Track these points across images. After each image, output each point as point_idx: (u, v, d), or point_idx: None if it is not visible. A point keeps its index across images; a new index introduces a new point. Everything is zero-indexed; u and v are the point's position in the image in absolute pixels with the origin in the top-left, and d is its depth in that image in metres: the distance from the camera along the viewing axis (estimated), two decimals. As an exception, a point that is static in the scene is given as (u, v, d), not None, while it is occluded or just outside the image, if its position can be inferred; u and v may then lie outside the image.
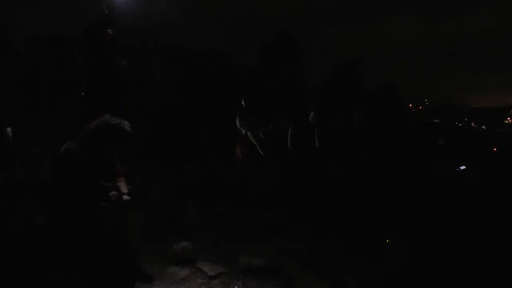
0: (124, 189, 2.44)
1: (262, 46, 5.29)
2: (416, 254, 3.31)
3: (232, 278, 2.75)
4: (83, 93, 4.29)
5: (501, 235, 3.69)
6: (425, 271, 3.04)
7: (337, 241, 3.43)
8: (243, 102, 4.86)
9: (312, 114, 4.69)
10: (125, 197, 2.38)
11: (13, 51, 6.04)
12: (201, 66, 6.72)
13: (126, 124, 2.39)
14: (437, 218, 3.97)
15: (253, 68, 5.75)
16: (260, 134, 4.71)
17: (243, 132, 4.80)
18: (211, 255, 3.05)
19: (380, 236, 3.58)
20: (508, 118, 51.61)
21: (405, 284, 2.93)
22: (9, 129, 3.86)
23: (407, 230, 3.69)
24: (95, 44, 4.14)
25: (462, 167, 5.26)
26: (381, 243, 3.50)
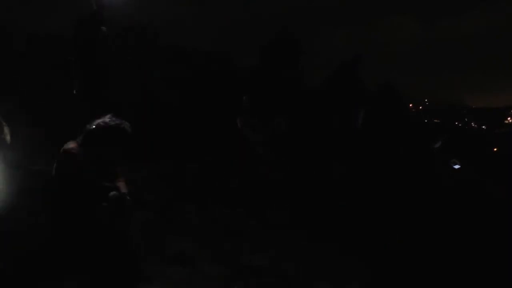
0: (124, 189, 2.45)
1: (262, 46, 5.29)
2: (414, 254, 3.31)
3: (232, 278, 2.75)
4: (75, 92, 4.28)
5: (498, 234, 3.70)
6: (423, 271, 3.05)
7: (337, 241, 3.44)
8: (244, 102, 4.86)
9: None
10: (125, 198, 2.38)
11: (13, 51, 6.04)
12: (201, 66, 6.72)
13: (126, 125, 2.40)
14: (435, 218, 3.98)
15: (253, 68, 5.75)
16: (261, 134, 4.71)
17: (243, 132, 4.80)
18: (211, 255, 3.05)
19: (379, 237, 3.59)
20: (508, 118, 51.63)
21: (404, 284, 2.94)
22: (7, 129, 3.85)
23: (405, 230, 3.69)
24: (86, 42, 4.13)
25: (457, 166, 5.26)
26: (380, 243, 3.50)
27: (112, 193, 2.33)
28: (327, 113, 4.91)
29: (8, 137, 3.82)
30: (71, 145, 2.34)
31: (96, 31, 4.16)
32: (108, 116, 2.39)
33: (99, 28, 4.16)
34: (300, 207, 4.06)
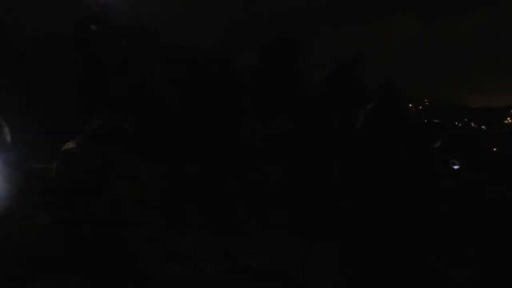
0: (124, 189, 2.45)
1: (262, 46, 5.30)
2: (414, 254, 3.31)
3: (232, 278, 2.75)
4: (73, 91, 4.27)
5: (498, 235, 3.69)
6: (423, 271, 3.05)
7: (337, 241, 3.44)
8: (243, 102, 4.86)
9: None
10: (125, 198, 2.39)
11: (13, 51, 6.03)
12: (201, 66, 6.71)
13: (126, 125, 2.40)
14: (435, 218, 3.97)
15: (253, 68, 5.75)
16: (261, 134, 4.71)
17: (244, 132, 4.80)
18: (212, 254, 3.05)
19: (379, 237, 3.59)
20: (508, 118, 51.54)
21: (404, 284, 2.93)
22: (7, 129, 3.85)
23: (405, 230, 3.69)
24: (86, 42, 4.13)
25: (456, 166, 5.26)
26: (380, 243, 3.50)
27: (111, 193, 2.34)
28: (327, 113, 4.91)
29: (8, 137, 3.83)
30: (71, 145, 2.35)
31: (96, 31, 4.17)
32: (108, 116, 2.40)
33: (99, 28, 4.17)
34: (300, 207, 4.06)
